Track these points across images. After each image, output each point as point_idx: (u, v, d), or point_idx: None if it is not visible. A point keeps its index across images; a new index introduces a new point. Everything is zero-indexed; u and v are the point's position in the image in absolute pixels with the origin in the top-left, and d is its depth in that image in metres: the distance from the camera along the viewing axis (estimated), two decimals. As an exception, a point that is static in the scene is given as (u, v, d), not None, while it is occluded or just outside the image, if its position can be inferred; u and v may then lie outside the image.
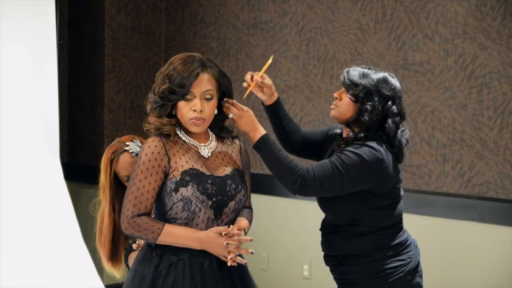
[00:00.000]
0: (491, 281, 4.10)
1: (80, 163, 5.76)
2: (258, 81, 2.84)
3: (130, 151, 2.91)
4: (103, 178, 2.94)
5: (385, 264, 2.80)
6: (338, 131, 2.97)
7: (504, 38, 4.06)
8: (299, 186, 2.70)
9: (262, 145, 2.70)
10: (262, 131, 2.71)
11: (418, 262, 2.89)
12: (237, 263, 2.53)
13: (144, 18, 5.67)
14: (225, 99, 2.65)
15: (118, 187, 2.94)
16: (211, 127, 2.64)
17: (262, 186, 4.88)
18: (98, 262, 4.91)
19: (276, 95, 2.96)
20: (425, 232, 4.25)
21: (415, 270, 2.85)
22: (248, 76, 2.86)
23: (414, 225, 3.93)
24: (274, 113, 3.00)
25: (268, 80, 2.89)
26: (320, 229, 2.97)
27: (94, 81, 5.62)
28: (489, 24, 4.11)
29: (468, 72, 4.20)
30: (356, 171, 2.69)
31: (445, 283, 4.24)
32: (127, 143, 2.94)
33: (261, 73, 2.85)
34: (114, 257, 2.94)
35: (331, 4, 4.76)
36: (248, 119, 2.67)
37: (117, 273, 3.00)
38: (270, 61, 2.87)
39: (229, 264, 2.51)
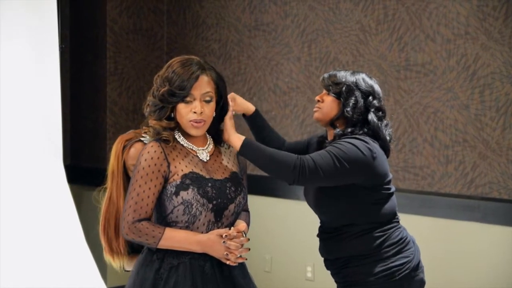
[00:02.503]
0: (494, 282, 4.09)
1: (82, 166, 5.77)
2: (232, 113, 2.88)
3: (145, 141, 2.89)
4: (114, 165, 2.91)
5: (391, 262, 2.81)
6: (317, 138, 3.04)
7: (506, 38, 4.06)
8: (298, 173, 2.69)
9: (248, 145, 2.71)
10: (241, 137, 2.72)
11: (419, 259, 2.92)
12: (238, 262, 2.54)
13: (146, 21, 5.68)
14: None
15: (125, 175, 2.93)
16: (209, 130, 2.65)
17: (266, 188, 4.88)
18: (101, 264, 4.93)
19: (253, 107, 3.07)
20: (428, 233, 4.25)
21: (418, 266, 2.88)
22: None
23: (417, 226, 3.93)
24: (254, 123, 3.10)
25: (239, 99, 3.00)
26: (318, 235, 2.98)
27: (96, 84, 5.63)
28: (491, 24, 4.10)
29: (470, 73, 4.19)
30: (352, 159, 2.72)
31: (449, 284, 4.23)
32: (143, 134, 2.93)
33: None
34: (115, 246, 2.92)
35: (333, 6, 4.75)
36: (227, 127, 2.71)
37: (115, 264, 2.98)
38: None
39: (228, 262, 2.51)
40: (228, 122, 2.69)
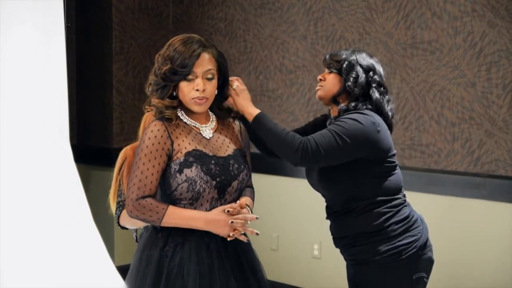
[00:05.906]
0: (501, 259, 4.09)
1: (89, 146, 5.79)
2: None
3: None
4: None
5: (397, 241, 2.82)
6: (321, 117, 3.07)
7: (513, 15, 4.03)
8: (300, 155, 2.72)
9: (260, 119, 2.77)
10: (257, 109, 2.80)
11: (427, 237, 2.92)
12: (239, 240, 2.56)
13: (151, 0, 5.66)
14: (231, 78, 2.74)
15: None
16: (211, 108, 2.66)
17: (272, 166, 4.88)
18: (109, 244, 4.95)
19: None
20: (434, 210, 4.25)
21: (426, 245, 2.88)
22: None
23: (423, 203, 3.93)
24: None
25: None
26: (327, 217, 2.98)
27: (103, 64, 5.63)
28: (498, 1, 4.07)
29: (477, 50, 4.17)
30: (355, 135, 2.75)
31: (455, 261, 4.24)
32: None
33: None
34: None
35: (339, -17, 4.73)
36: (246, 95, 2.79)
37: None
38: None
39: (228, 239, 2.53)
40: (245, 92, 2.76)
